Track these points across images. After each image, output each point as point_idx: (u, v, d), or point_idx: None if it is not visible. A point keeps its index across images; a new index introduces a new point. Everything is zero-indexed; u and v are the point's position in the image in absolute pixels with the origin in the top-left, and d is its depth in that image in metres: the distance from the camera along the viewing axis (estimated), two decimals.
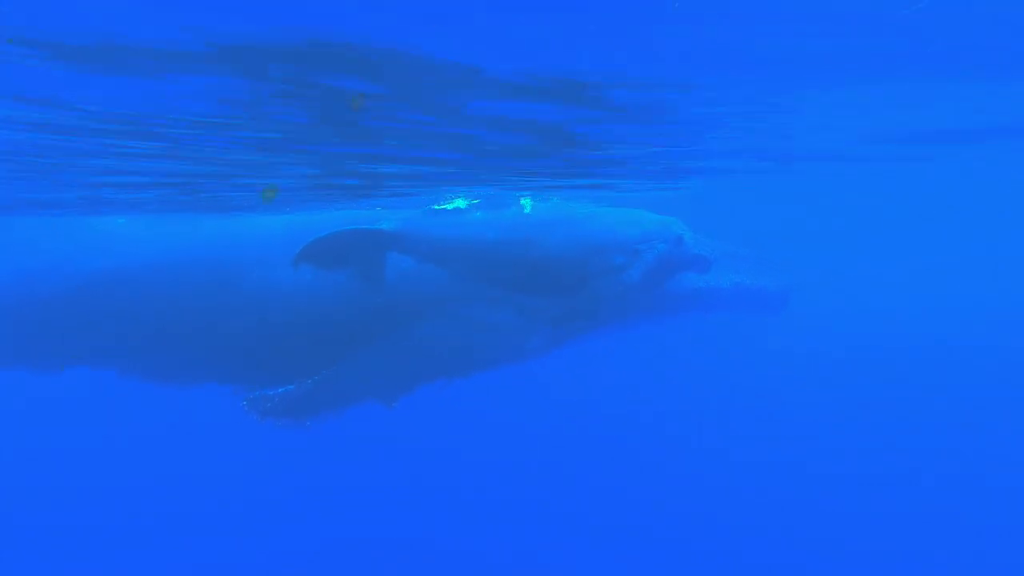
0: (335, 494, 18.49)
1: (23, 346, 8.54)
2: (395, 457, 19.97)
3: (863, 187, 19.15)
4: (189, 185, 8.78)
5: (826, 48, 4.70)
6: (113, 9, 3.35)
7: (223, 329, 7.81)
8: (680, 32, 4.24)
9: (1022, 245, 44.08)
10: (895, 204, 28.50)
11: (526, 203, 8.73)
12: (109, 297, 8.01)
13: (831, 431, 22.81)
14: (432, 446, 20.76)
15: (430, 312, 7.80)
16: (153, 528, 17.24)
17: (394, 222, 7.89)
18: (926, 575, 14.94)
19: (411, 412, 8.24)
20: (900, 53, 4.95)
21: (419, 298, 7.82)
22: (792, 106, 6.71)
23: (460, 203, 8.70)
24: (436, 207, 8.55)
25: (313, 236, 7.53)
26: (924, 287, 45.11)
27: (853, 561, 15.78)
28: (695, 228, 8.61)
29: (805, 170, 12.94)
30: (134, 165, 7.53)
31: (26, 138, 6.26)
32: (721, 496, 18.52)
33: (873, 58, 4.99)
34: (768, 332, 29.08)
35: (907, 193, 22.23)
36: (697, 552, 16.12)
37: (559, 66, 4.83)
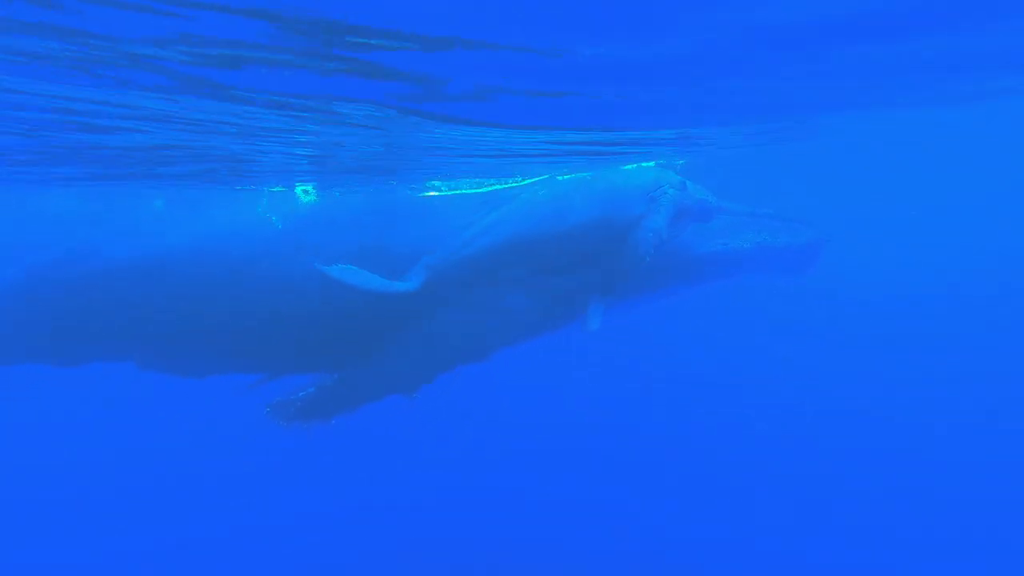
0: (343, 488, 18.53)
1: (42, 335, 8.28)
2: (405, 445, 19.90)
3: (887, 135, 18.51)
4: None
5: None
6: None
7: (243, 319, 7.63)
8: None
9: None
10: (920, 153, 27.68)
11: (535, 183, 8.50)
12: (129, 285, 7.79)
13: (859, 400, 22.44)
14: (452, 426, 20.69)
15: (455, 299, 7.58)
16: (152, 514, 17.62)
17: (417, 275, 7.37)
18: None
19: (431, 396, 8.10)
20: None
21: (444, 287, 7.55)
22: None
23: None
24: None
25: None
26: (952, 243, 43.87)
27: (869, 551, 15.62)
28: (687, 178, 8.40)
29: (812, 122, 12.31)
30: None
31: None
32: (749, 467, 18.33)
33: None
34: (800, 293, 28.63)
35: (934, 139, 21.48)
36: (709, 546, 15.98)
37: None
